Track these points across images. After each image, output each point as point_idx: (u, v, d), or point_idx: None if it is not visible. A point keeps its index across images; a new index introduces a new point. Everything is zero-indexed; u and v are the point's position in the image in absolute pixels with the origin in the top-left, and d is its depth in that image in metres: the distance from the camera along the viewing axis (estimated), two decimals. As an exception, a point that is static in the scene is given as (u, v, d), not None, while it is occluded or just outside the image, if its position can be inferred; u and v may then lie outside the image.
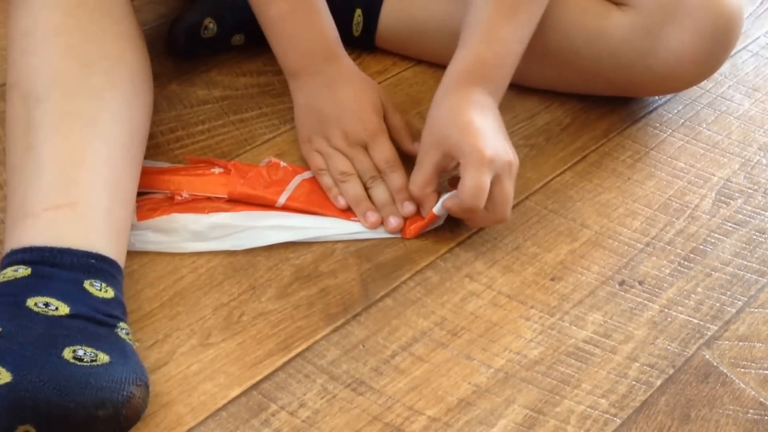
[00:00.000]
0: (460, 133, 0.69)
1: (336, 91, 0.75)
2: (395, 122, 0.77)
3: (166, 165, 0.77)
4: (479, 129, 0.69)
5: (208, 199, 0.73)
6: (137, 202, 0.71)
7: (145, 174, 0.73)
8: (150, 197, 0.73)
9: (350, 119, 0.74)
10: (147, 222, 0.70)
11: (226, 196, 0.73)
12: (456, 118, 0.70)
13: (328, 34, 0.76)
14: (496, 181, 0.68)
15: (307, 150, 0.76)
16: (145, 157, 0.73)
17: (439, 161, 0.71)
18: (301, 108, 0.77)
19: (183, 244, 0.70)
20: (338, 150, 0.74)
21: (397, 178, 0.73)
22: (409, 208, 0.73)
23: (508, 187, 0.69)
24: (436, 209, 0.71)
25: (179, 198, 0.72)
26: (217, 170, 0.76)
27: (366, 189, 0.74)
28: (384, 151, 0.74)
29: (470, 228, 0.74)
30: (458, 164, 0.69)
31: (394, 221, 0.73)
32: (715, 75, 0.87)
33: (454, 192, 0.70)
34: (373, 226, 0.73)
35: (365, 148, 0.75)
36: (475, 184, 0.67)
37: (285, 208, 0.73)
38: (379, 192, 0.73)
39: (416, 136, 0.77)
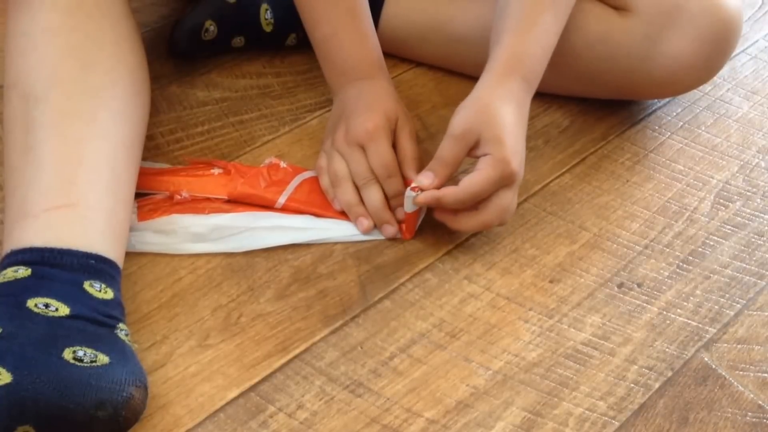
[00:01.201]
0: (491, 129, 0.67)
1: (361, 98, 0.74)
2: (406, 147, 0.73)
3: (165, 166, 0.77)
4: (511, 131, 0.68)
5: (208, 199, 0.73)
6: (137, 202, 0.71)
7: (145, 175, 0.73)
8: (150, 198, 0.73)
9: (354, 117, 0.73)
10: (147, 223, 0.71)
11: (225, 197, 0.73)
12: (490, 112, 0.68)
13: (367, 56, 0.76)
14: (503, 191, 0.68)
15: (321, 150, 0.76)
16: (145, 158, 0.74)
17: (463, 155, 0.69)
18: (331, 116, 0.77)
19: (183, 246, 0.71)
20: (338, 150, 0.73)
21: (392, 184, 0.72)
22: (402, 213, 0.72)
23: (509, 198, 0.69)
24: (408, 208, 0.70)
25: (178, 197, 0.72)
26: (216, 171, 0.76)
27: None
28: (380, 155, 0.71)
29: (468, 231, 0.74)
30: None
31: (389, 230, 0.72)
32: (714, 78, 0.87)
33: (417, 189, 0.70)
34: (366, 232, 0.72)
35: (364, 149, 0.73)
36: (486, 185, 0.67)
37: (285, 208, 0.74)
38: (370, 196, 0.72)
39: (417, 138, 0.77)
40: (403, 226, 0.73)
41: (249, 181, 0.74)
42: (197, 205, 0.72)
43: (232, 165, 0.76)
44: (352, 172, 0.73)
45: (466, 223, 0.70)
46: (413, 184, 0.69)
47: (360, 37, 0.76)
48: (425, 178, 0.69)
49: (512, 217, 0.75)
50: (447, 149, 0.69)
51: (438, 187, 0.69)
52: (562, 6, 0.74)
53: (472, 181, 0.67)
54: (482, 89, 0.70)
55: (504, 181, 0.68)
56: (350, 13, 0.75)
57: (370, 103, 0.73)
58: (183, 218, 0.71)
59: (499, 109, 0.69)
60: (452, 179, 0.70)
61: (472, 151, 0.69)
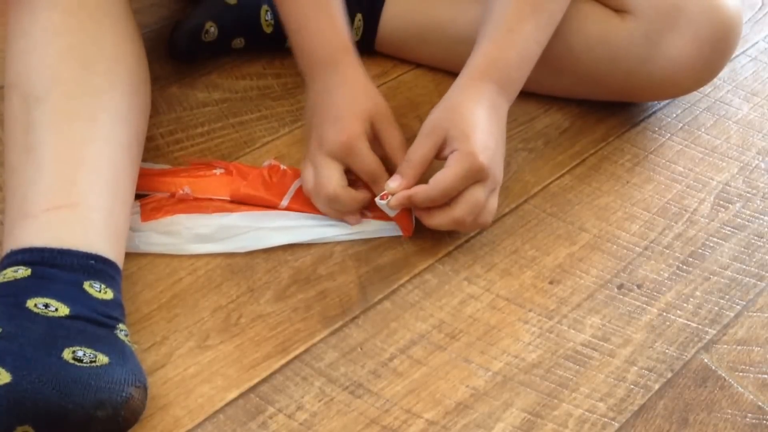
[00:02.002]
0: (459, 126, 0.68)
1: (329, 96, 0.72)
2: (390, 139, 0.72)
3: (166, 167, 0.77)
4: (480, 128, 0.68)
5: (211, 200, 0.73)
6: (140, 202, 0.71)
7: (147, 176, 0.73)
8: (152, 198, 0.73)
9: (327, 126, 0.70)
10: (151, 223, 0.71)
11: (228, 197, 0.73)
12: (460, 111, 0.69)
13: (335, 43, 0.73)
14: (474, 187, 0.68)
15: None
16: (145, 160, 0.74)
17: (432, 154, 0.69)
18: (306, 110, 0.76)
19: (187, 246, 0.71)
20: (313, 162, 0.71)
21: (380, 188, 0.70)
22: (393, 213, 0.71)
23: (481, 194, 0.68)
24: (389, 213, 0.70)
25: (181, 192, 0.72)
26: (218, 171, 0.76)
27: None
28: (362, 165, 0.70)
29: (468, 232, 0.74)
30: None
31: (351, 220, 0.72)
32: (714, 80, 0.87)
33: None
34: (354, 223, 0.73)
35: (342, 161, 0.70)
36: (455, 181, 0.67)
37: (287, 209, 0.74)
38: (343, 207, 0.71)
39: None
40: (402, 223, 0.73)
41: (251, 183, 0.74)
42: (201, 204, 0.72)
43: (234, 165, 0.76)
44: (318, 185, 0.71)
45: (439, 218, 0.69)
46: (384, 191, 0.69)
47: (328, 27, 0.74)
48: (393, 182, 0.69)
49: (512, 218, 0.75)
50: (414, 149, 0.69)
51: (408, 188, 0.68)
52: (545, 15, 0.74)
53: (440, 177, 0.67)
54: (452, 91, 0.71)
55: (473, 176, 0.67)
56: (316, 5, 0.73)
57: (339, 107, 0.71)
58: (187, 218, 0.71)
59: (468, 108, 0.69)
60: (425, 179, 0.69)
61: (441, 153, 0.69)
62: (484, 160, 0.67)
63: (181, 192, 0.72)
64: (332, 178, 0.70)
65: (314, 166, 0.71)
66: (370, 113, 0.71)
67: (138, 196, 0.70)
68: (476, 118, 0.69)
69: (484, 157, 0.67)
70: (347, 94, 0.72)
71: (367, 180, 0.71)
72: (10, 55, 0.67)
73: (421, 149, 0.69)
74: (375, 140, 0.72)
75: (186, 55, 0.86)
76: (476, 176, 0.67)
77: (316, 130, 0.72)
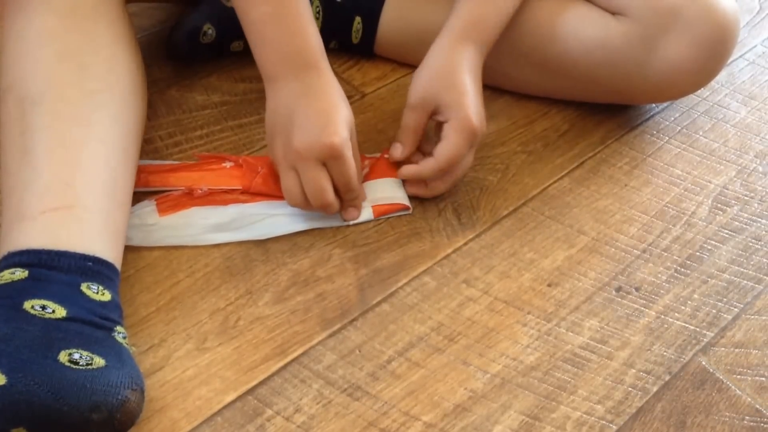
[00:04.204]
0: (450, 94, 0.72)
1: (311, 101, 0.69)
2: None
3: (175, 162, 0.77)
4: (469, 94, 0.72)
5: (225, 192, 0.73)
6: (155, 199, 0.72)
7: (159, 172, 0.74)
8: (168, 194, 0.73)
9: (309, 128, 0.68)
10: (168, 218, 0.71)
11: (240, 188, 0.74)
12: (448, 79, 0.73)
13: (310, 41, 0.70)
14: (470, 151, 0.74)
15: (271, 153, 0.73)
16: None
17: (425, 122, 0.74)
18: (271, 111, 0.71)
19: (204, 236, 0.71)
20: (293, 165, 0.69)
21: (353, 198, 0.72)
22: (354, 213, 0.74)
23: (472, 155, 0.75)
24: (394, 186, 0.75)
25: (199, 192, 0.72)
26: (227, 164, 0.76)
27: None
28: (344, 174, 0.69)
29: (467, 234, 0.74)
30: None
31: (353, 213, 0.74)
32: (712, 83, 0.88)
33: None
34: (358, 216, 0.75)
35: (323, 163, 0.68)
36: (458, 151, 0.72)
37: None
38: (329, 211, 0.71)
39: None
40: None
41: (264, 179, 0.74)
42: (215, 197, 0.73)
43: (243, 159, 0.76)
44: (307, 193, 0.70)
45: (440, 187, 0.75)
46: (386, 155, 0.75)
47: (302, 19, 0.70)
48: (395, 150, 0.75)
49: (510, 220, 0.76)
50: (407, 118, 0.74)
51: (409, 155, 0.75)
52: None
53: (445, 150, 0.72)
54: (436, 56, 0.74)
55: (471, 142, 0.72)
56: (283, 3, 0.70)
57: (323, 109, 0.68)
58: (202, 210, 0.72)
59: (455, 74, 0.73)
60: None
61: (433, 117, 0.73)
62: (477, 124, 0.72)
63: (199, 191, 0.72)
64: (318, 180, 0.68)
65: (301, 172, 0.69)
66: (352, 120, 0.71)
67: (154, 193, 0.71)
68: (464, 85, 0.72)
69: (476, 121, 0.72)
70: (331, 102, 0.69)
71: (342, 190, 0.70)
72: (5, 59, 0.67)
73: (414, 119, 0.73)
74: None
75: (185, 56, 0.86)
76: (473, 141, 0.73)
77: (297, 131, 0.68)
